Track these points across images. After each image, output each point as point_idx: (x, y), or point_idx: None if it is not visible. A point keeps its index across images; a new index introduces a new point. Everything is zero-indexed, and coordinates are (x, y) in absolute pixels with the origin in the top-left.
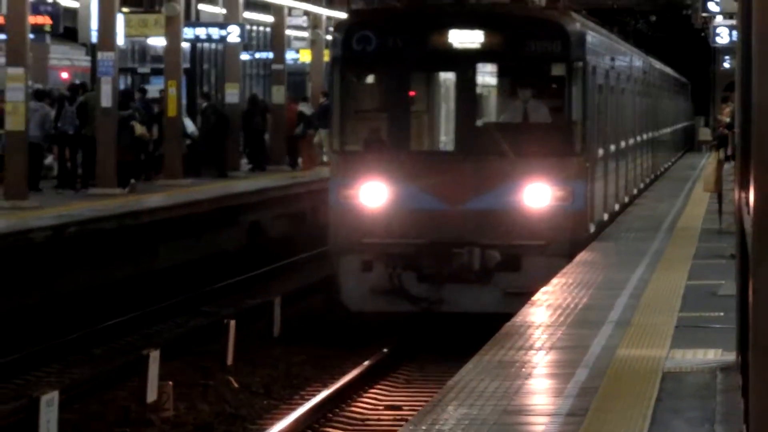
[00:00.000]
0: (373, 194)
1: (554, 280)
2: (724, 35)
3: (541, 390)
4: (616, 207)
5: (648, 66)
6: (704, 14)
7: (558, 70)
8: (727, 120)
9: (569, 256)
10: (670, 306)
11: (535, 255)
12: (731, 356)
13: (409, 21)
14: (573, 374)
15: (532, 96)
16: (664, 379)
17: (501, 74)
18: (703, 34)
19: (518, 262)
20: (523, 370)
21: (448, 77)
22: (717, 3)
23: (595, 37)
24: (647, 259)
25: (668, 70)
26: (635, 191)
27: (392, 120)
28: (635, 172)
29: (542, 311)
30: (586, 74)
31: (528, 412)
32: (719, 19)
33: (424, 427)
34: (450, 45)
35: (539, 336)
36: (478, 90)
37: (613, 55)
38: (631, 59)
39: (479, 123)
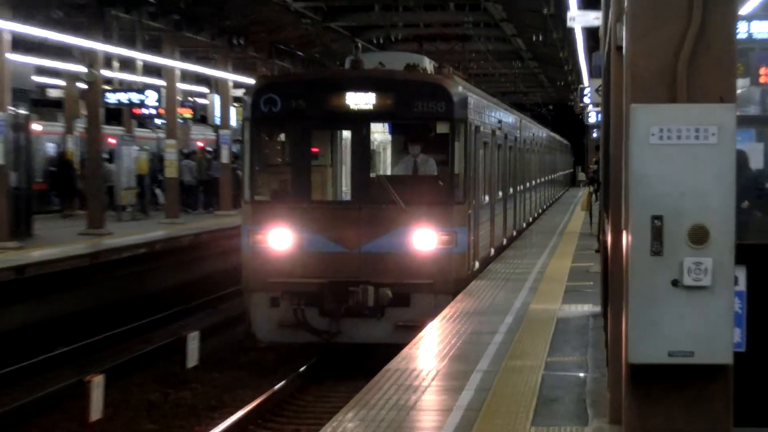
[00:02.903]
0: (279, 239)
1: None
2: (593, 117)
3: (474, 332)
4: (504, 241)
5: (537, 130)
6: (581, 104)
7: (443, 127)
8: (594, 167)
9: (453, 293)
10: (562, 278)
11: (423, 292)
12: (598, 308)
13: (310, 85)
14: (503, 320)
15: (421, 151)
16: (558, 322)
17: (393, 132)
18: (580, 116)
19: (407, 298)
20: (459, 327)
21: (346, 135)
22: (589, 97)
23: (478, 100)
24: (547, 251)
25: (555, 135)
26: (530, 219)
27: (296, 173)
28: (530, 206)
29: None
30: (468, 132)
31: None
32: (590, 107)
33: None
34: (347, 106)
35: (473, 292)
36: (373, 146)
37: (500, 119)
38: (520, 124)
39: (373, 175)
